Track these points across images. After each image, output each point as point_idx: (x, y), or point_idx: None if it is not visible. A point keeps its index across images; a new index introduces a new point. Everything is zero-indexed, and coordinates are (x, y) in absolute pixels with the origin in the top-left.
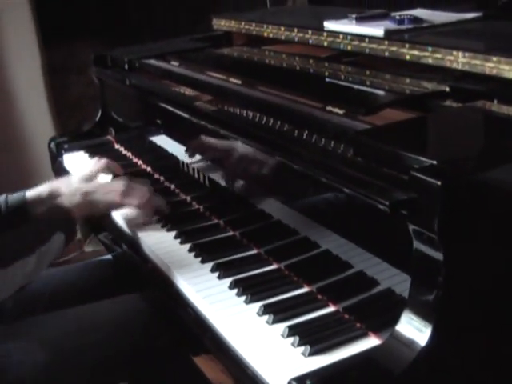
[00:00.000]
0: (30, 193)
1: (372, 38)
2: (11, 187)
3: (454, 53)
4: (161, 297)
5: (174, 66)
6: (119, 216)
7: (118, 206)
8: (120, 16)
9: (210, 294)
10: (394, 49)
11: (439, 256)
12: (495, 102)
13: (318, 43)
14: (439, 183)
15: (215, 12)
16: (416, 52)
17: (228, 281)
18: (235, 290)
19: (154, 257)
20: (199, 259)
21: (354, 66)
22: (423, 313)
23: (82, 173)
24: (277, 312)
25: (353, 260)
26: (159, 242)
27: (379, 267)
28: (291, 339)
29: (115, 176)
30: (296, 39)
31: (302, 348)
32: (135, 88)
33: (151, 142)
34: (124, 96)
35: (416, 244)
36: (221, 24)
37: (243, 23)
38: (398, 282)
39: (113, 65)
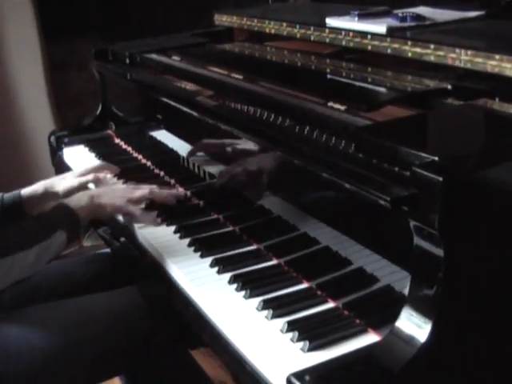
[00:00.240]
0: (26, 191)
1: (374, 35)
2: (11, 181)
3: (457, 51)
4: (159, 291)
5: (175, 60)
6: None
7: (121, 211)
8: (120, 12)
9: (209, 289)
10: (396, 46)
11: (440, 252)
12: (497, 100)
13: (319, 40)
14: (441, 179)
15: (217, 8)
16: (418, 49)
17: (227, 276)
18: (234, 285)
19: (153, 251)
20: (198, 254)
21: (355, 62)
22: (423, 309)
23: (77, 170)
24: (276, 307)
25: (352, 256)
26: (158, 237)
27: (379, 264)
28: (290, 334)
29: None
30: (298, 35)
31: (301, 343)
32: (136, 82)
33: (151, 136)
34: (125, 90)
35: (416, 240)
36: (222, 19)
37: (245, 19)
38: (398, 278)
39: (114, 59)
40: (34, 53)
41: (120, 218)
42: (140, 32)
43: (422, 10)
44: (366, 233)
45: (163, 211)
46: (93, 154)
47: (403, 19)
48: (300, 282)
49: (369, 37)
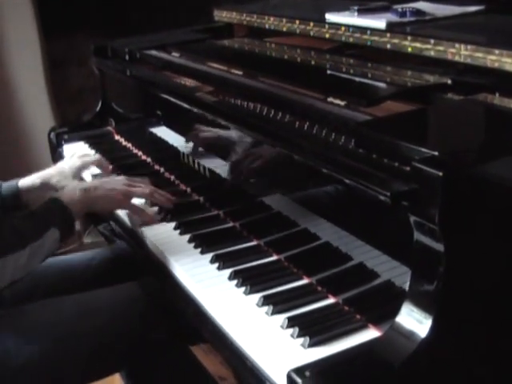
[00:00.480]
0: (23, 181)
1: (374, 31)
2: (11, 178)
3: (456, 46)
4: (159, 287)
5: (174, 56)
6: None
7: (120, 203)
8: (120, 8)
9: (209, 285)
10: (396, 41)
11: (440, 247)
12: (497, 95)
13: (319, 35)
14: (441, 174)
15: (216, 4)
16: (418, 44)
17: (227, 272)
18: (235, 281)
19: (153, 247)
20: (199, 250)
21: (355, 58)
22: (423, 304)
23: (73, 163)
24: (276, 303)
25: (353, 252)
26: (159, 233)
27: (379, 259)
28: (290, 330)
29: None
30: (298, 31)
31: (301, 339)
32: (136, 79)
33: (151, 133)
34: (124, 87)
35: (417, 235)
36: (222, 15)
37: (244, 15)
38: (398, 274)
39: (113, 55)
40: (34, 49)
41: (121, 215)
42: (140, 28)
43: (422, 5)
44: (367, 228)
45: (163, 207)
46: (93, 151)
47: (403, 14)
48: (300, 278)
49: (368, 32)
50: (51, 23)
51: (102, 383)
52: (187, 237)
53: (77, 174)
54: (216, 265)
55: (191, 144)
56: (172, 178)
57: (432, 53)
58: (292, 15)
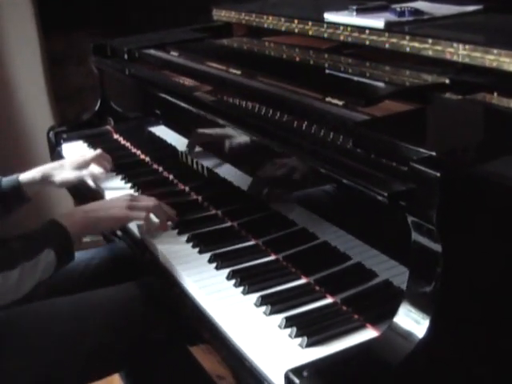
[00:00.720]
0: (24, 176)
1: (372, 30)
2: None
3: (455, 45)
4: (158, 287)
5: (173, 56)
6: None
7: (124, 221)
8: (120, 7)
9: (207, 285)
10: (395, 41)
11: (438, 248)
12: (495, 94)
13: (318, 35)
14: (438, 174)
15: (215, 3)
16: (416, 44)
17: (225, 271)
18: (233, 281)
19: (152, 246)
20: (197, 250)
21: (354, 57)
22: (421, 305)
23: (74, 159)
24: (274, 303)
25: (351, 252)
26: (157, 233)
27: (377, 259)
28: (288, 330)
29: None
30: (296, 30)
31: (299, 339)
32: (135, 78)
33: (150, 132)
34: (123, 86)
35: (415, 236)
36: (221, 15)
37: (243, 14)
38: (397, 274)
39: (112, 55)
40: (33, 47)
41: None
42: (139, 27)
43: (420, 5)
44: (365, 228)
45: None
46: (91, 150)
47: (401, 14)
48: (298, 278)
49: (367, 31)
50: (51, 21)
51: (102, 383)
52: (185, 236)
53: (76, 169)
54: (214, 264)
55: (192, 145)
56: (170, 177)
57: (430, 52)
58: (291, 14)
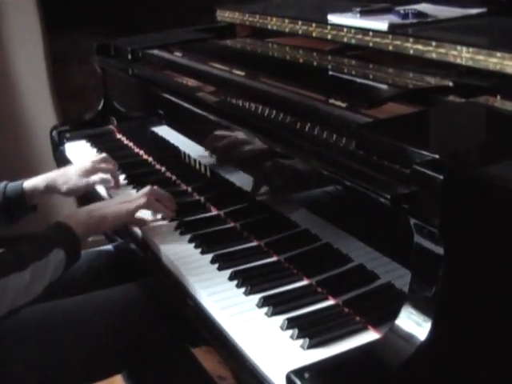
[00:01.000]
0: (28, 183)
1: (376, 32)
2: (13, 175)
3: (458, 48)
4: (159, 287)
5: (177, 56)
6: None
7: (126, 216)
8: (122, 7)
9: (208, 285)
10: (398, 43)
11: (440, 250)
12: (498, 97)
13: (321, 36)
14: (441, 177)
15: (219, 4)
16: (420, 47)
17: (228, 272)
18: (235, 282)
19: (154, 247)
20: (199, 250)
21: (357, 59)
22: (423, 307)
23: (80, 165)
24: (276, 304)
25: (353, 253)
26: (159, 233)
27: (379, 261)
28: (290, 332)
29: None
30: (300, 32)
31: (300, 341)
32: (138, 78)
33: (153, 132)
34: (126, 86)
35: (417, 238)
36: (224, 15)
37: (247, 15)
38: (398, 276)
39: (116, 54)
40: (36, 46)
41: None
42: (142, 27)
43: (424, 7)
44: (367, 230)
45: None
46: (94, 150)
47: (405, 16)
48: (300, 279)
49: (370, 34)
50: (54, 20)
51: (103, 383)
52: (188, 237)
53: (83, 176)
54: (216, 265)
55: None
56: (173, 177)
57: (434, 55)
58: (294, 16)
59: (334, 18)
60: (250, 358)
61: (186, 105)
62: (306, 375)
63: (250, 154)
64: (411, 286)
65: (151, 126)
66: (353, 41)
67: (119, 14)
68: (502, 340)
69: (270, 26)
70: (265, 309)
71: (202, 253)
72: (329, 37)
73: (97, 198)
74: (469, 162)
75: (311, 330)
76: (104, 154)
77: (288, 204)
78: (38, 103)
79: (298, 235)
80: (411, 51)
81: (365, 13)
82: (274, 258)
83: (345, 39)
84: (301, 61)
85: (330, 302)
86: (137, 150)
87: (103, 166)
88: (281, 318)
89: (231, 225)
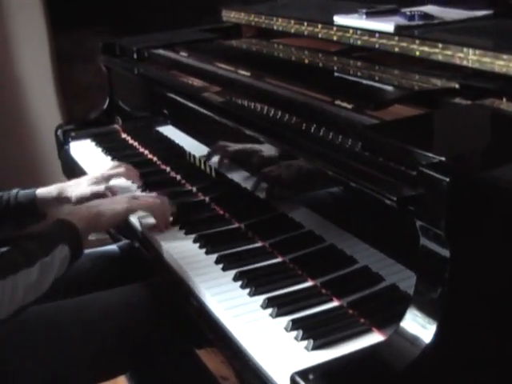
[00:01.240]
0: (40, 191)
1: (382, 34)
2: (18, 174)
3: (464, 50)
4: (164, 288)
5: (182, 56)
6: None
7: (125, 213)
8: (127, 7)
9: (213, 285)
10: (404, 45)
11: (446, 253)
12: (504, 100)
13: (327, 37)
14: (448, 180)
15: (225, 4)
16: (426, 48)
17: (232, 273)
18: (239, 282)
19: (158, 246)
20: (203, 250)
21: (363, 61)
22: (428, 310)
23: (92, 175)
24: (281, 305)
25: (358, 255)
26: (164, 233)
27: (384, 263)
28: (294, 333)
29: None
30: (305, 33)
31: (305, 342)
32: (143, 77)
33: (158, 132)
34: (132, 85)
35: (423, 240)
36: (230, 16)
37: (253, 15)
38: (403, 278)
39: (121, 54)
40: (42, 45)
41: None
42: (147, 27)
43: (430, 9)
44: (372, 231)
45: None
46: (99, 149)
47: (411, 18)
48: (305, 280)
49: (376, 35)
50: (59, 19)
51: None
52: (192, 237)
53: (91, 185)
54: (221, 265)
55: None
56: (178, 177)
57: (440, 57)
58: (300, 17)
59: (339, 19)
60: (255, 359)
61: (192, 105)
62: (311, 376)
63: (255, 155)
64: (416, 288)
65: (156, 126)
66: (359, 42)
67: (125, 13)
68: (507, 342)
69: (275, 27)
70: (269, 310)
71: (207, 253)
72: (335, 38)
73: None
74: (475, 164)
75: (316, 332)
76: (116, 162)
77: (293, 205)
78: (43, 102)
79: (303, 236)
80: (417, 53)
81: (371, 14)
82: (279, 259)
83: (351, 40)
84: (306, 62)
85: (335, 303)
86: (142, 149)
87: (113, 171)
88: (285, 319)
89: (236, 225)
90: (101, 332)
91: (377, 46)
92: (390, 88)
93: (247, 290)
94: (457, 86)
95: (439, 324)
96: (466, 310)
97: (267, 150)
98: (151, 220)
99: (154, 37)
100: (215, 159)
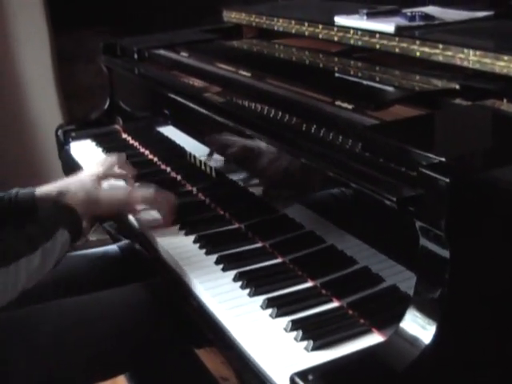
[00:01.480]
0: (40, 190)
1: (383, 34)
2: (18, 174)
3: (465, 51)
4: (164, 288)
5: (183, 56)
6: None
7: (123, 202)
8: (128, 6)
9: (213, 286)
10: (405, 45)
11: (446, 254)
12: (505, 101)
13: (328, 38)
14: (448, 180)
15: (225, 4)
16: (426, 49)
17: (232, 273)
18: (239, 283)
19: (159, 247)
20: (204, 251)
21: (363, 61)
22: (428, 311)
23: (93, 171)
24: (280, 306)
25: (358, 256)
26: (164, 234)
27: (384, 264)
28: (294, 333)
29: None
30: (306, 33)
31: (304, 343)
32: (144, 78)
33: (159, 132)
34: (132, 85)
35: (422, 241)
36: (231, 16)
37: (254, 16)
38: (403, 279)
39: (122, 54)
40: (43, 45)
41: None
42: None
43: (431, 10)
44: (372, 232)
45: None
46: (100, 149)
47: (412, 18)
48: (305, 281)
49: (377, 36)
50: (60, 19)
51: None
52: (192, 237)
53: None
54: (221, 266)
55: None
56: (178, 177)
57: (440, 58)
58: (301, 17)
59: (340, 20)
60: (254, 359)
61: (192, 105)
62: (310, 377)
63: (256, 155)
64: (416, 288)
65: (157, 126)
66: (359, 43)
67: (125, 13)
68: (507, 343)
69: (276, 28)
70: (269, 310)
71: (207, 253)
72: (335, 38)
73: None
74: (475, 165)
75: (315, 332)
76: (114, 158)
77: (293, 205)
78: (43, 102)
79: (303, 237)
80: (418, 53)
81: (372, 15)
82: (279, 260)
83: (351, 41)
84: (307, 62)
85: (335, 304)
86: (142, 149)
87: (116, 172)
88: (285, 320)
89: (236, 226)
90: (101, 332)
91: (377, 46)
92: (390, 89)
93: (247, 291)
94: (457, 86)
95: (439, 325)
96: (466, 310)
97: (268, 150)
98: (153, 215)
99: (154, 37)
100: (215, 160)
